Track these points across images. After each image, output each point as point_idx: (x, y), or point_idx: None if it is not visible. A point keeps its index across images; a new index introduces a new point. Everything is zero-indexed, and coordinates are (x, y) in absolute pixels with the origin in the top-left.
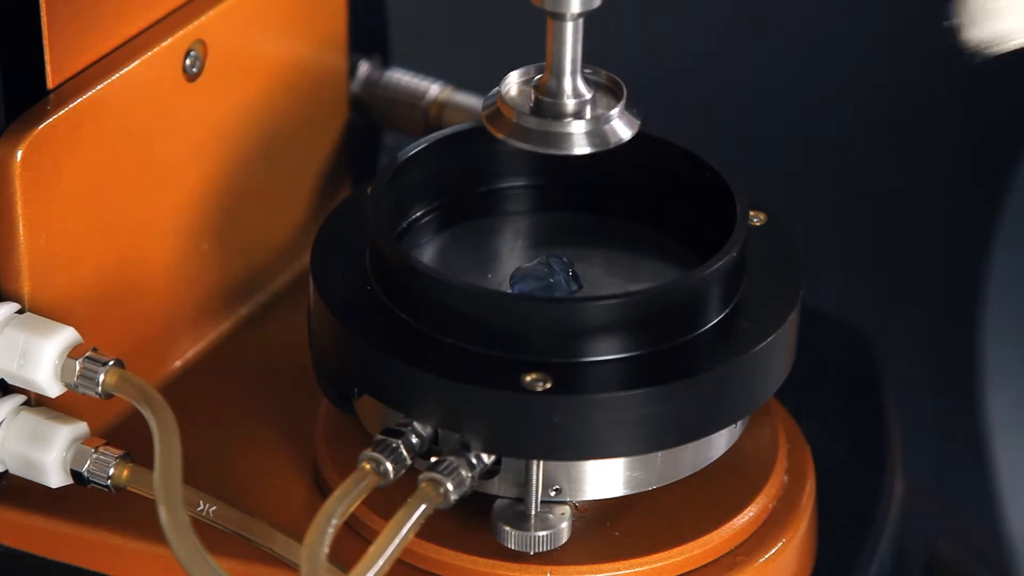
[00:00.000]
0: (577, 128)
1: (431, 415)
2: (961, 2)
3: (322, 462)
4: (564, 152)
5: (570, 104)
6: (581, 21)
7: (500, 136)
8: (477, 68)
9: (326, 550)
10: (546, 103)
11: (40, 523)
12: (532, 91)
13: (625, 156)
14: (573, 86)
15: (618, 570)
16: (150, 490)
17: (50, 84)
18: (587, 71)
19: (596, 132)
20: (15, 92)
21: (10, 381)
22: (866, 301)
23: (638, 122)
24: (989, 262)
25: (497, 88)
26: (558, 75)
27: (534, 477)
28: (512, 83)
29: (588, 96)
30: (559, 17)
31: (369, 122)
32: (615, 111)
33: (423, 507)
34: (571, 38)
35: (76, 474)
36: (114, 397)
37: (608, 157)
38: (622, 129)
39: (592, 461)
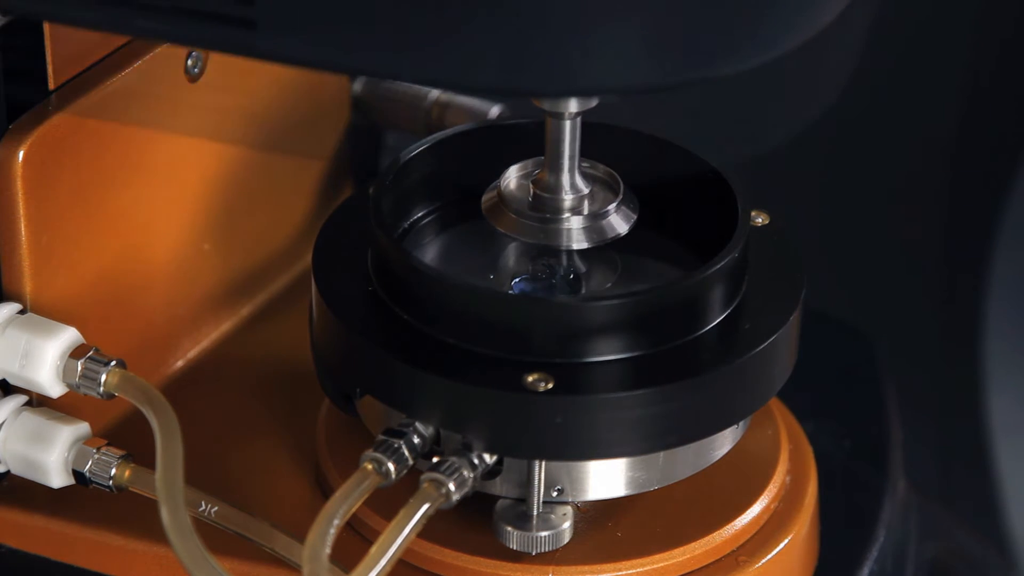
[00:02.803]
0: (575, 224)
1: (433, 415)
2: None
3: (324, 462)
4: (563, 248)
5: (567, 200)
6: (579, 119)
7: (500, 230)
8: None
9: (328, 550)
10: (544, 198)
11: (42, 523)
12: (531, 185)
13: (627, 157)
14: (571, 182)
15: (620, 570)
16: (152, 490)
17: (52, 84)
18: (585, 165)
19: (594, 228)
20: (17, 92)
21: (12, 381)
22: (868, 302)
23: (635, 216)
24: (991, 262)
25: (496, 181)
26: (556, 171)
27: (536, 477)
28: (511, 177)
29: (586, 191)
30: (557, 116)
31: (371, 123)
32: (612, 206)
33: (425, 507)
34: (569, 136)
35: (78, 474)
36: (116, 397)
37: (610, 158)
38: (619, 223)
39: (594, 461)
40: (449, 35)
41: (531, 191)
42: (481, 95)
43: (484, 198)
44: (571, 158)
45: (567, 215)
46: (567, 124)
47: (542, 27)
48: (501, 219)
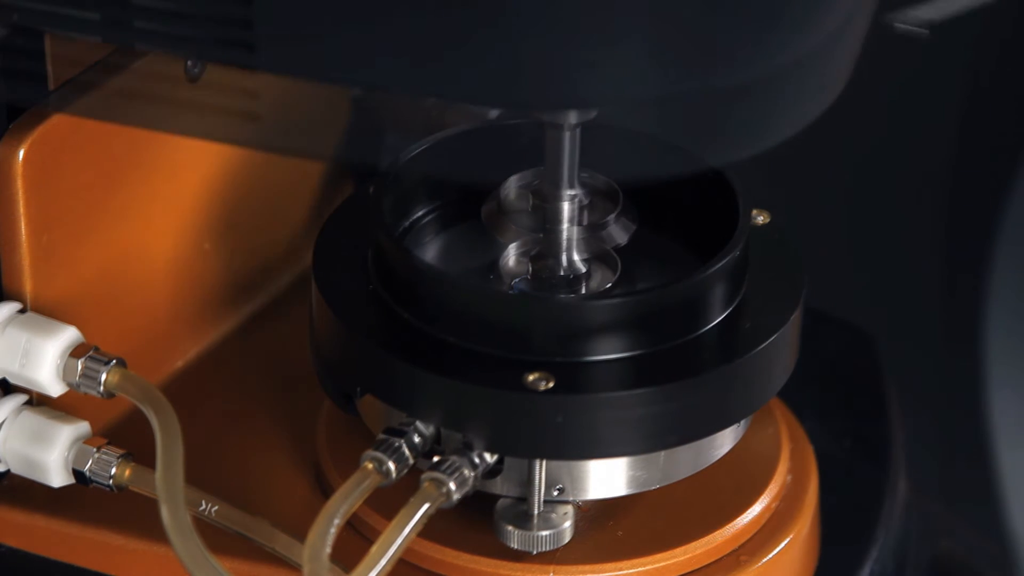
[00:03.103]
0: (574, 234)
1: (433, 415)
2: None
3: (324, 462)
4: (562, 259)
5: (567, 210)
6: (578, 130)
7: (499, 239)
8: None
9: (328, 550)
10: (544, 208)
11: (42, 523)
12: (530, 195)
13: (627, 157)
14: (570, 192)
15: (621, 570)
16: (152, 490)
17: (52, 84)
18: (584, 175)
19: (593, 238)
20: (17, 92)
21: (12, 380)
22: (868, 301)
23: (634, 226)
24: (991, 261)
25: (496, 191)
26: (555, 182)
27: (537, 476)
28: (511, 187)
29: (585, 202)
30: (556, 127)
31: (371, 123)
32: (611, 217)
33: (425, 507)
34: (568, 147)
35: (78, 474)
36: (116, 396)
37: (609, 159)
38: (618, 234)
39: (595, 460)
40: (447, 49)
41: (531, 201)
42: (481, 107)
43: (484, 208)
44: (570, 169)
45: (566, 225)
46: (566, 135)
47: (541, 40)
48: (500, 228)
